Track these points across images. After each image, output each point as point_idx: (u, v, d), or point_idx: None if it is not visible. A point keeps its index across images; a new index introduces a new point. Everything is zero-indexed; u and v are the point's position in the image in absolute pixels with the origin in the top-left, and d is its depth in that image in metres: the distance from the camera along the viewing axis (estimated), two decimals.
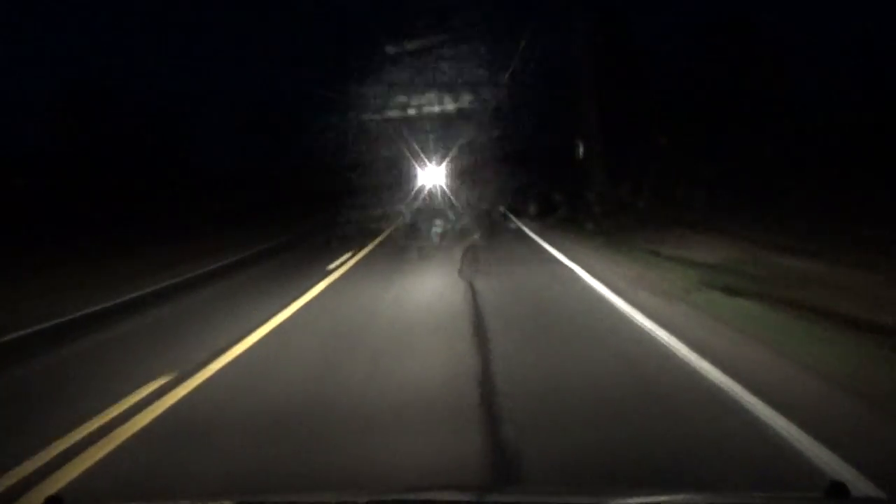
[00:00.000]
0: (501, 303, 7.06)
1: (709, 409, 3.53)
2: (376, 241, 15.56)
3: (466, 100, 23.10)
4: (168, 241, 18.18)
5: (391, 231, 18.24)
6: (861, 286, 6.38)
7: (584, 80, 15.98)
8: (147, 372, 5.00)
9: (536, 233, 14.90)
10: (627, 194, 16.39)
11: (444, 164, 28.34)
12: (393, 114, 23.71)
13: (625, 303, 6.40)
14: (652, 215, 14.54)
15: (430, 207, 24.26)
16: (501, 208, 22.52)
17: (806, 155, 15.76)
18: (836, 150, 15.27)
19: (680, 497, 1.91)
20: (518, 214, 20.43)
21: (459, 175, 28.35)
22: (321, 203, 26.75)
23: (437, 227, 17.60)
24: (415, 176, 28.81)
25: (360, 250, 13.43)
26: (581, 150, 16.39)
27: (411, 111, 22.94)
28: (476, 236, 14.92)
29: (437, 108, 22.83)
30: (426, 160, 27.56)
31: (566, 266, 9.33)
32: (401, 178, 28.79)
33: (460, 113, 23.82)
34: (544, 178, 21.99)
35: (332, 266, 11.06)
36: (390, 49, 20.46)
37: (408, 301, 7.73)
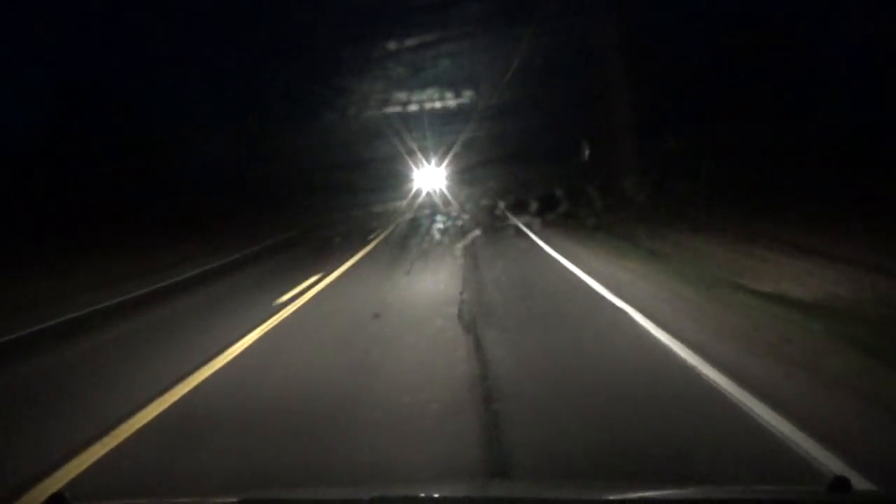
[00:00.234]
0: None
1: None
2: (376, 242, 15.15)
3: (468, 96, 22.52)
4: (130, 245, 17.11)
5: (390, 232, 17.86)
6: None
7: (611, 74, 15.52)
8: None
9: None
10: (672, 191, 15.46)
11: (443, 165, 27.87)
12: (393, 110, 23.08)
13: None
14: (655, 212, 13.86)
15: (431, 202, 24.64)
16: (502, 204, 21.89)
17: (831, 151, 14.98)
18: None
19: (682, 491, 1.85)
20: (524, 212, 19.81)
21: (460, 173, 27.96)
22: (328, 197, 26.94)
23: (438, 222, 18.15)
24: (413, 177, 28.46)
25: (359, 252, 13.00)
26: (586, 149, 15.91)
27: (412, 107, 22.27)
28: (477, 232, 14.48)
29: (438, 105, 22.17)
30: (424, 160, 27.08)
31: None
32: (400, 177, 28.48)
33: (461, 108, 23.23)
34: (555, 174, 21.41)
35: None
36: (391, 45, 20.00)
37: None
